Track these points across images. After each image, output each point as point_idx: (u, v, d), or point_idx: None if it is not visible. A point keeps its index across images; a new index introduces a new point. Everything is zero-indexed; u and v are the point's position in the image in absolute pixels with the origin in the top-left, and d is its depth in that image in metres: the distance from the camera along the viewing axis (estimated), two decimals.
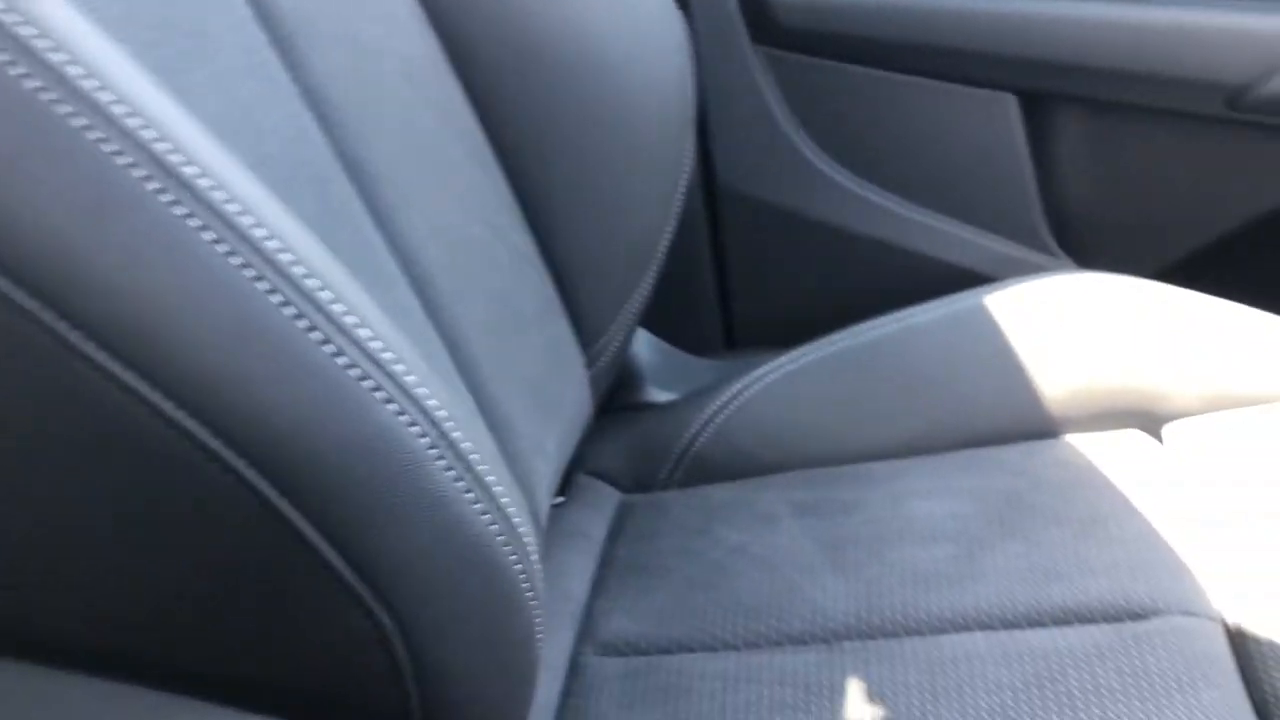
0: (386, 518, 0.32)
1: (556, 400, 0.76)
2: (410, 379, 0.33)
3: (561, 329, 0.79)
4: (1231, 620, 0.66)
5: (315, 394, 0.31)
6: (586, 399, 0.83)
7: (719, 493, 0.85)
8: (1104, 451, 0.80)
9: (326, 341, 0.31)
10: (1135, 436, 0.82)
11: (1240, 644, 0.64)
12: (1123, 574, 0.69)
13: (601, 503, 0.86)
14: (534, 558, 0.39)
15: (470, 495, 0.35)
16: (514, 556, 0.37)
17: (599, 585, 0.79)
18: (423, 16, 0.68)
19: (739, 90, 0.99)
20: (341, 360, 0.32)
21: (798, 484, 0.84)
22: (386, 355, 0.33)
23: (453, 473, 0.34)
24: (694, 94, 0.85)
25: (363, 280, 0.53)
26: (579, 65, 0.76)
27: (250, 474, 0.30)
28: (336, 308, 0.32)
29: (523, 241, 0.75)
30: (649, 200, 0.84)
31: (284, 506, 0.31)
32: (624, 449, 0.90)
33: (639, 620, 0.74)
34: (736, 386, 0.89)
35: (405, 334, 0.55)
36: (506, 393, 0.67)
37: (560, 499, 0.85)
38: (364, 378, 0.32)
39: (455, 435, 0.35)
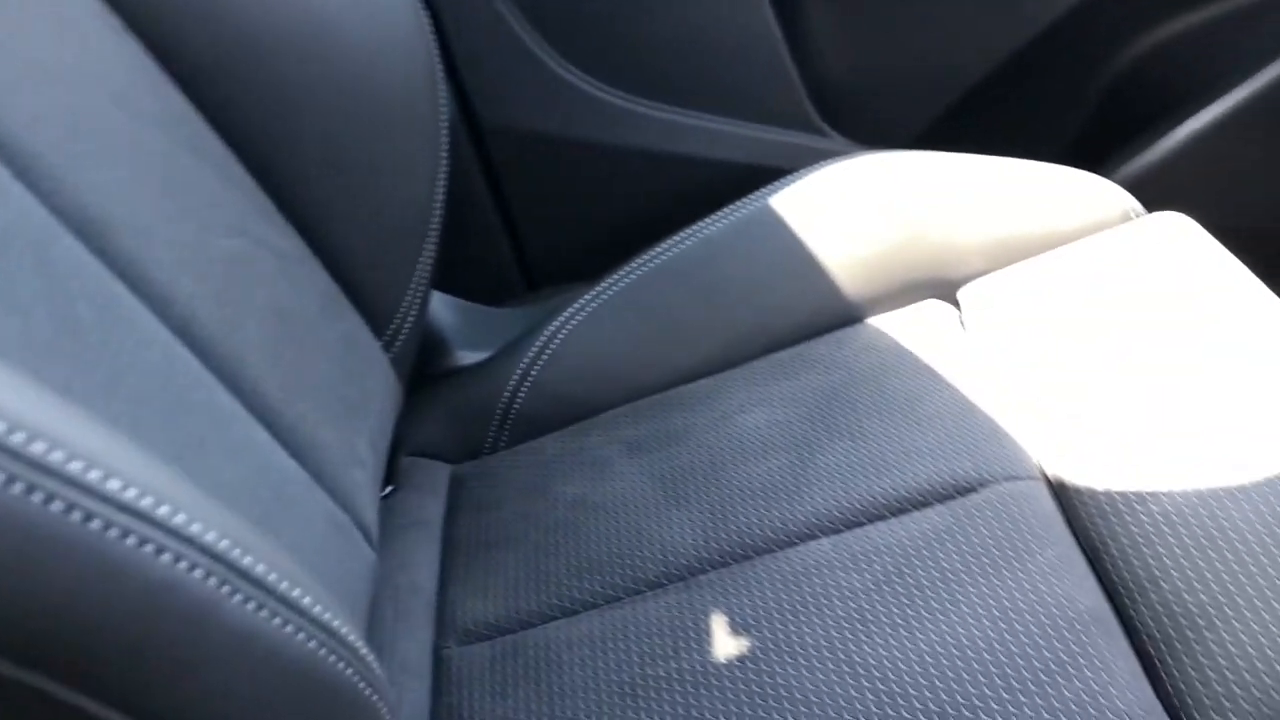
0: (189, 674, 0.29)
1: (361, 397, 0.72)
2: (180, 519, 0.30)
3: (351, 321, 0.75)
4: (1052, 474, 0.69)
5: (69, 567, 0.27)
6: (394, 383, 0.80)
7: (549, 445, 0.84)
8: (907, 327, 0.82)
9: (72, 508, 0.27)
10: (934, 307, 0.84)
11: (1064, 496, 0.67)
12: (946, 451, 0.71)
13: (432, 482, 0.84)
14: (363, 652, 0.37)
15: (278, 621, 0.32)
16: (342, 664, 0.35)
17: (447, 571, 0.77)
18: (118, 26, 0.61)
19: (483, 24, 0.94)
20: (95, 524, 0.28)
21: (624, 421, 0.83)
22: (146, 502, 0.29)
23: (253, 604, 0.31)
24: (434, 39, 0.81)
25: (111, 350, 0.49)
26: (301, 40, 0.70)
27: (12, 671, 0.27)
28: (75, 467, 0.27)
29: (288, 242, 0.70)
30: (413, 161, 0.80)
31: (68, 694, 0.27)
32: (444, 420, 0.88)
33: (495, 600, 0.73)
34: (545, 334, 0.87)
35: (172, 394, 0.51)
36: (304, 411, 0.63)
37: (389, 489, 0.82)
38: (126, 534, 0.28)
39: (245, 563, 0.31)
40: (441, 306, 0.95)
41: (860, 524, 0.69)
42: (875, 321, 0.84)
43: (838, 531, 0.69)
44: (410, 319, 0.80)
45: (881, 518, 0.69)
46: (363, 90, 0.74)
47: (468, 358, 0.91)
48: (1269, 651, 0.55)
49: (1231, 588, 0.58)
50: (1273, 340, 0.69)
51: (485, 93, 0.97)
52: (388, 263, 0.79)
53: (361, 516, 0.66)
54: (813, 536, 0.70)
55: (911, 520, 0.68)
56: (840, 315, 0.85)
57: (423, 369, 0.88)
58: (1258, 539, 0.59)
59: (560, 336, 0.86)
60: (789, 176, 0.88)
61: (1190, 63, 0.98)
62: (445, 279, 0.93)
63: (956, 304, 0.84)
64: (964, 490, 0.69)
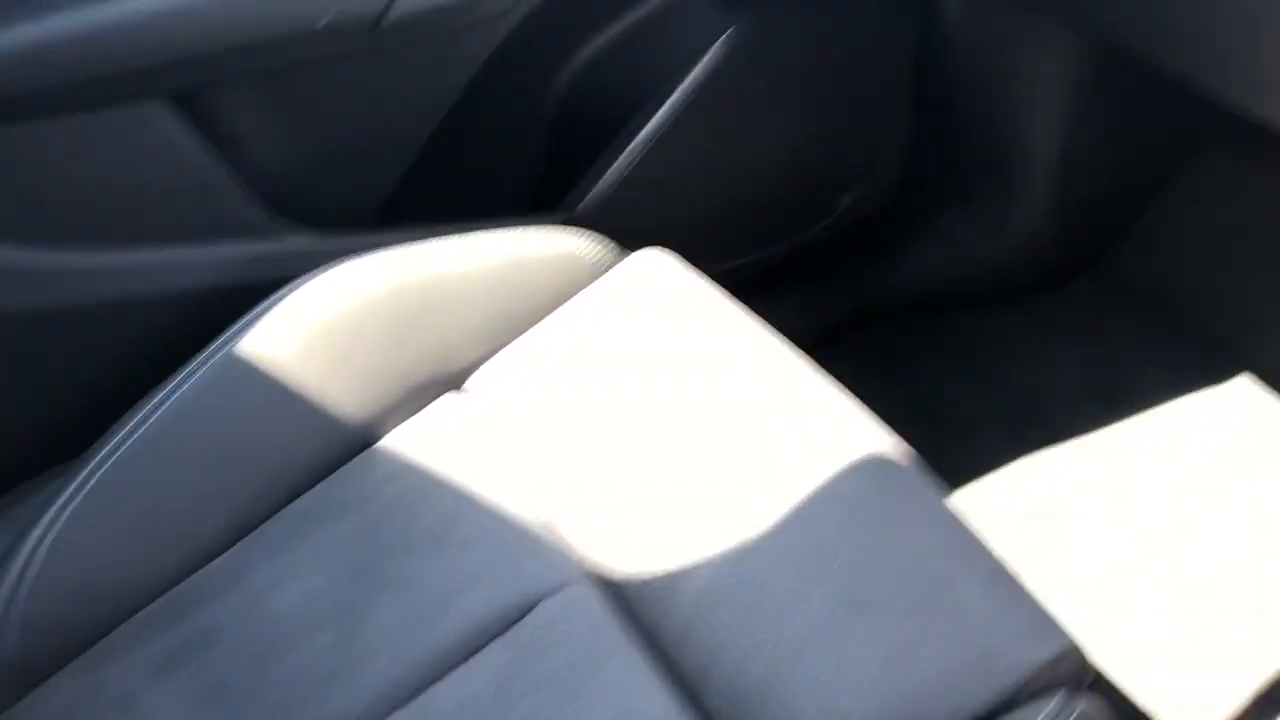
0: None
1: None
2: None
3: None
4: (596, 569, 0.67)
5: None
6: None
7: (60, 691, 0.71)
8: (425, 437, 0.78)
9: None
10: (448, 404, 0.80)
11: (611, 591, 0.66)
12: (492, 576, 0.68)
13: None
14: None
15: None
16: None
17: None
18: None
19: None
20: None
21: (144, 634, 0.72)
22: None
23: None
24: None
25: None
26: None
27: None
28: None
29: None
30: None
31: None
32: None
33: None
34: (20, 558, 0.73)
35: None
36: None
37: None
38: None
39: None
40: None
41: (425, 688, 0.64)
42: (392, 439, 0.78)
43: (403, 705, 0.64)
44: None
45: (447, 671, 0.65)
46: None
47: None
48: (826, 704, 0.57)
49: (781, 647, 0.59)
50: (767, 381, 0.72)
51: None
52: None
53: None
54: (381, 717, 0.64)
55: (475, 668, 0.64)
56: (354, 439, 0.79)
57: None
58: (791, 591, 0.61)
59: (39, 557, 0.73)
60: (263, 303, 0.80)
61: (615, 82, 1.00)
62: None
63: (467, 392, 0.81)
64: (517, 617, 0.66)
